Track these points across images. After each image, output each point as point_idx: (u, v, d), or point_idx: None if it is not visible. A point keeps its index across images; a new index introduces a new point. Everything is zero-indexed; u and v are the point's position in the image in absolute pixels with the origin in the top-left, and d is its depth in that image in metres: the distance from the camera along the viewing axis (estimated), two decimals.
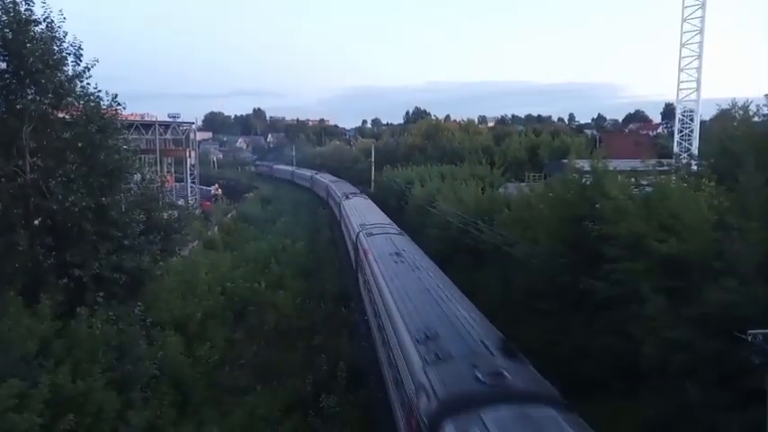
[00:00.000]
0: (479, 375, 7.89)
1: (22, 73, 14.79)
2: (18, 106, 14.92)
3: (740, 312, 9.31)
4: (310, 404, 14.19)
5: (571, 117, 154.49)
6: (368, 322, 16.82)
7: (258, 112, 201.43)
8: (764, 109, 19.31)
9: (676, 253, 11.59)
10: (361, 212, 29.76)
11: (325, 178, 61.58)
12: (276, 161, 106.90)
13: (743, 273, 9.97)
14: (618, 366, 12.76)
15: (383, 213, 31.07)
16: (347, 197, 37.63)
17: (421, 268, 16.03)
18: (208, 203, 53.06)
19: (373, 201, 39.24)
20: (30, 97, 15.12)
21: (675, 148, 38.45)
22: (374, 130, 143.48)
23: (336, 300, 23.76)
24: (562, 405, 7.49)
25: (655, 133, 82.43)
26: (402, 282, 14.39)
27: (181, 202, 31.99)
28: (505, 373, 7.95)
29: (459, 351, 9.20)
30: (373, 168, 58.73)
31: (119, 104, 17.12)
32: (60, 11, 15.48)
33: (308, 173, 74.86)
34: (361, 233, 22.44)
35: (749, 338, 6.72)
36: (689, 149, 36.05)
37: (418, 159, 53.25)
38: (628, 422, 11.50)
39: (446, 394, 7.75)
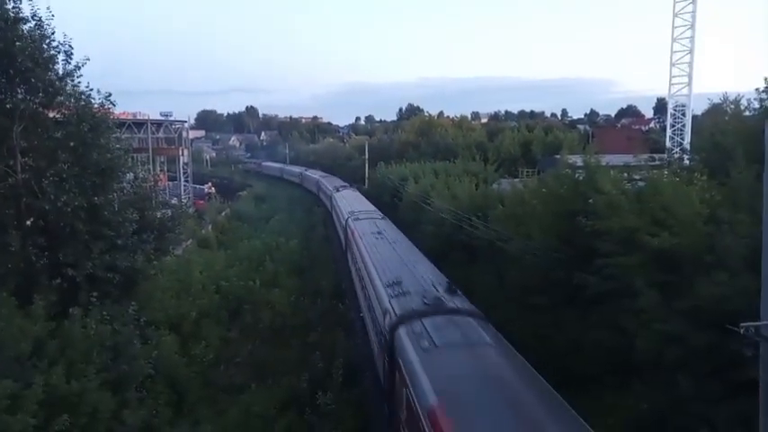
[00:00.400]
0: (425, 300, 11.77)
1: (11, 72, 14.63)
2: (8, 105, 14.77)
3: (731, 305, 9.39)
4: (306, 401, 14.19)
5: (564, 112, 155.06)
6: (359, 310, 19.11)
7: (251, 110, 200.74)
8: (755, 103, 19.45)
9: (669, 247, 11.67)
10: (349, 202, 34.16)
11: (315, 174, 65.92)
12: (265, 158, 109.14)
13: (734, 266, 10.06)
14: (611, 361, 12.85)
15: (369, 202, 35.45)
16: (338, 190, 42.66)
17: (396, 242, 20.27)
18: (201, 202, 52.85)
19: (360, 193, 43.25)
20: (20, 96, 14.98)
21: (667, 143, 38.61)
22: (368, 127, 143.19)
23: (331, 297, 23.77)
24: (479, 317, 11.16)
25: (647, 128, 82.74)
26: (380, 251, 18.27)
27: (174, 200, 31.81)
28: (443, 300, 11.86)
29: (415, 289, 12.93)
30: (367, 165, 58.67)
31: (111, 104, 17.01)
32: (48, 8, 15.34)
33: (298, 169, 79.02)
34: (349, 219, 26.09)
35: (741, 331, 6.75)
36: (681, 144, 36.21)
37: (412, 156, 53.17)
38: (621, 416, 11.59)
39: (401, 311, 11.49)
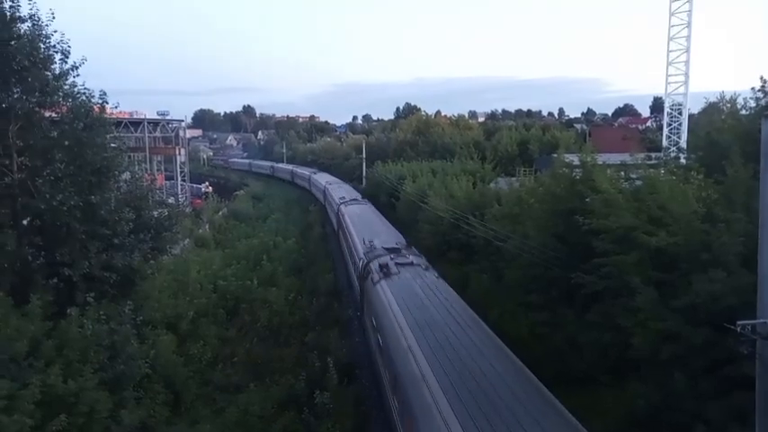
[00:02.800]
0: (348, 198, 38.03)
1: (7, 71, 14.57)
2: (4, 105, 14.71)
3: (727, 303, 9.44)
4: (304, 401, 14.19)
5: (561, 111, 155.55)
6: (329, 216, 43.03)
7: (248, 110, 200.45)
8: (751, 102, 19.46)
9: (665, 245, 11.68)
10: (325, 179, 56.45)
11: (288, 166, 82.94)
12: (231, 156, 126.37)
13: (730, 264, 10.10)
14: (607, 358, 12.88)
15: (336, 177, 58.63)
16: (314, 173, 65.09)
17: (345, 188, 44.65)
18: (199, 201, 52.76)
19: (328, 174, 64.51)
20: (16, 96, 14.91)
21: (664, 142, 38.76)
22: (365, 126, 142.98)
23: (328, 295, 23.76)
24: (365, 200, 38.22)
25: (644, 127, 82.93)
26: (337, 190, 42.91)
27: (171, 200, 31.73)
28: (356, 198, 39.35)
29: (348, 198, 37.82)
30: (365, 164, 58.67)
31: (106, 102, 16.96)
32: (50, 9, 15.27)
33: (268, 164, 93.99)
34: (327, 185, 48.63)
35: (738, 329, 6.76)
36: (677, 143, 36.36)
37: (409, 155, 53.21)
38: (618, 413, 11.62)
39: (340, 201, 35.90)
